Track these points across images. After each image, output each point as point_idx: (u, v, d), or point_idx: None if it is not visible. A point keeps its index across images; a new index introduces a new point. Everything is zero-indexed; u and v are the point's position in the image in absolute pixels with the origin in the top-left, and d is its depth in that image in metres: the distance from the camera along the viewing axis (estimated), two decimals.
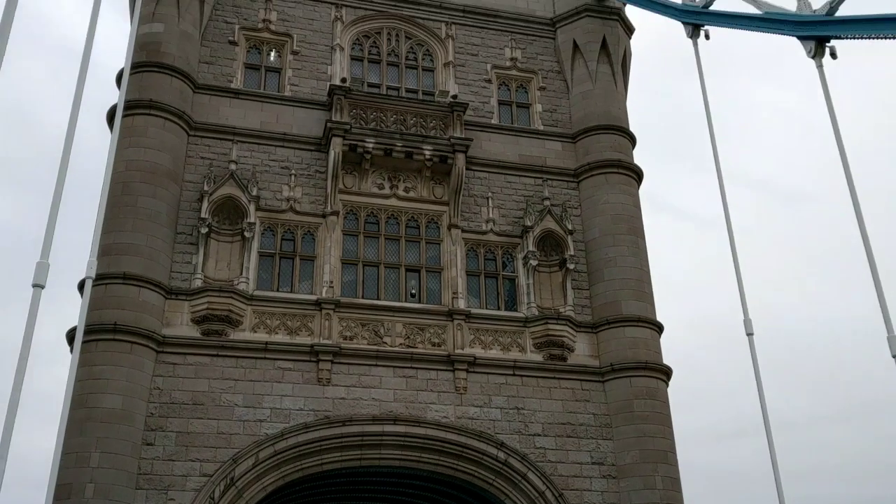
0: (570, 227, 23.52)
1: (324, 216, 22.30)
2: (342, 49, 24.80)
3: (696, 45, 21.47)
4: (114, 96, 21.71)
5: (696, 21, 21.18)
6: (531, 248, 22.91)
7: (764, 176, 72.64)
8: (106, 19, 55.07)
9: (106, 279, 19.27)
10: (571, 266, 23.02)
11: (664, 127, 67.04)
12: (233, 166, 21.86)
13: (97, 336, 18.63)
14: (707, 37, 21.45)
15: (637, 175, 25.09)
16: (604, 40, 26.21)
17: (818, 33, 16.17)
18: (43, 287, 10.32)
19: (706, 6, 20.78)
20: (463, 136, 23.49)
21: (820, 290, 64.28)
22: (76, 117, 13.14)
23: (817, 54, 16.58)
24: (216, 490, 18.44)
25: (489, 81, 25.80)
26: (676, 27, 22.28)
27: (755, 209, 66.47)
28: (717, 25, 20.72)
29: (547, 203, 23.76)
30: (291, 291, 21.38)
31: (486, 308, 22.61)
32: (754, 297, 18.74)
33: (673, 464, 21.35)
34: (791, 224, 71.67)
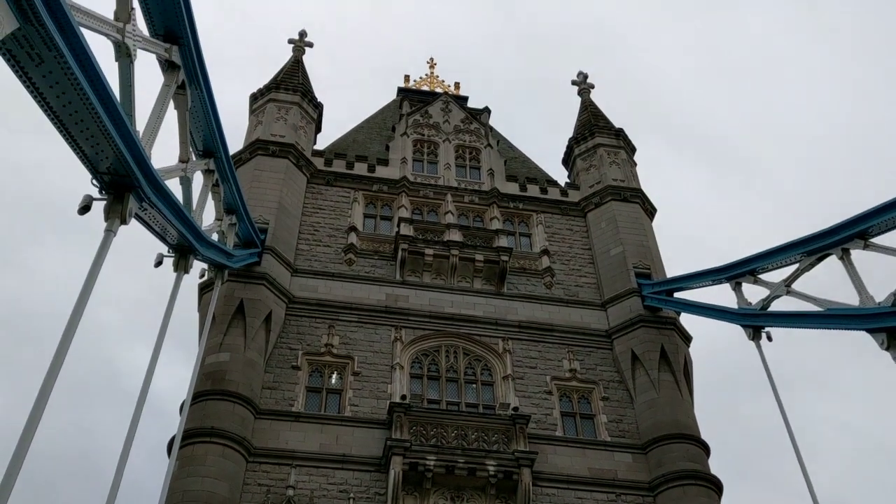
0: None
1: None
2: (402, 368, 25.02)
3: (759, 347, 21.16)
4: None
5: (756, 323, 21.04)
6: None
7: (836, 496, 67.60)
8: (172, 357, 57.53)
9: None
10: None
11: (724, 436, 64.08)
12: (290, 492, 21.05)
13: None
14: (769, 338, 21.18)
15: (717, 488, 23.35)
16: (662, 349, 26.04)
17: (889, 325, 15.75)
18: None
19: (764, 308, 20.74)
20: (527, 449, 22.60)
21: None
22: (128, 453, 13.02)
23: (891, 346, 16.03)
24: None
25: (550, 393, 25.40)
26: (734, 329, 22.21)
27: None
28: (779, 326, 20.54)
29: None
30: None
31: None
32: None
33: None
34: None
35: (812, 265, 19.14)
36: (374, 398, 24.16)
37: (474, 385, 25.42)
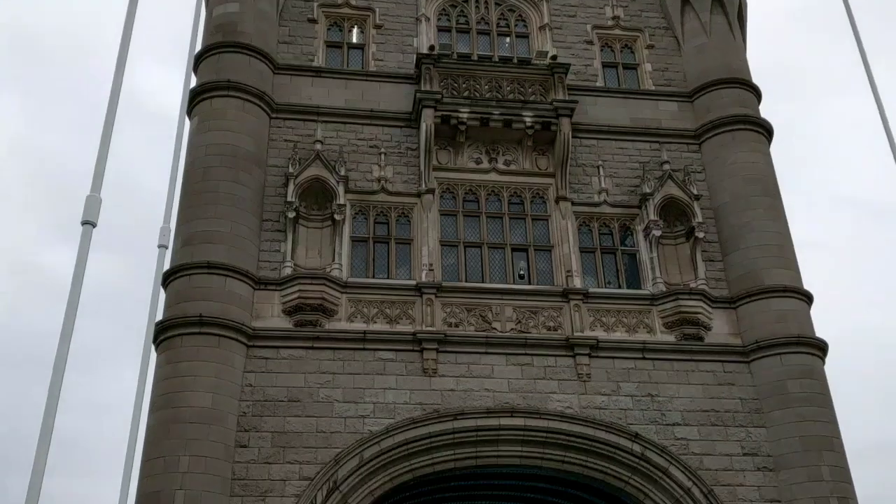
0: (695, 192, 20.76)
1: (418, 195, 20.27)
2: (428, 19, 22.94)
3: None
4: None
5: None
6: (652, 216, 20.23)
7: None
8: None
9: (189, 269, 17.81)
10: (700, 235, 20.19)
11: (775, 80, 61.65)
12: (318, 146, 20.13)
13: (181, 330, 17.12)
14: None
15: (767, 131, 22.17)
16: None
17: None
18: (94, 225, 8.47)
19: None
20: (566, 98, 21.17)
21: None
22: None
23: None
24: (318, 495, 16.39)
25: (590, 43, 23.42)
26: None
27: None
28: None
29: (667, 167, 21.08)
30: (388, 277, 19.37)
31: (605, 287, 20.04)
32: None
33: (839, 451, 18.19)
34: None
35: None
36: (400, 52, 22.39)
37: (508, 37, 23.43)
